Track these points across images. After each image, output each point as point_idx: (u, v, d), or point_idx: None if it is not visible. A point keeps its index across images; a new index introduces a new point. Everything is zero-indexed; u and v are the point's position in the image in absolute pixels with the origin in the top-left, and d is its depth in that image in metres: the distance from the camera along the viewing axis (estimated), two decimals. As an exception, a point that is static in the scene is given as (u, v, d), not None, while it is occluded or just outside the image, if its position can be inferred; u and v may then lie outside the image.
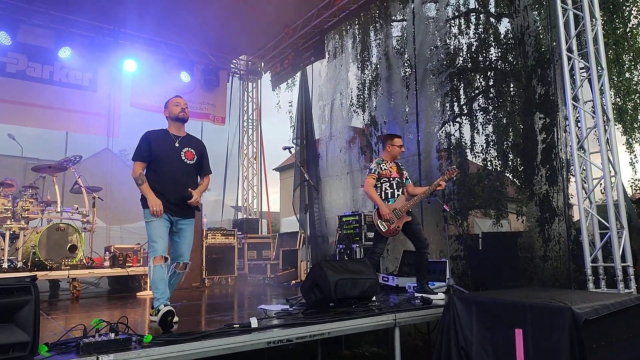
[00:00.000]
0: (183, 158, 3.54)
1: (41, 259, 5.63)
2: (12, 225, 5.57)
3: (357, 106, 8.55)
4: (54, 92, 8.51)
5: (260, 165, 10.91)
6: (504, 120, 6.78)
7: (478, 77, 7.36)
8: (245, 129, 11.05)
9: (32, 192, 6.04)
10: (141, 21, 8.36)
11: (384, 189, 4.78)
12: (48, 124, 8.74)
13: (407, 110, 7.38)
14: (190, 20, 8.50)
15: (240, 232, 8.10)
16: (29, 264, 5.67)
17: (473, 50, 7.19)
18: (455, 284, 4.83)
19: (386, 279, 5.44)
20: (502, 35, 6.95)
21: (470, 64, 7.24)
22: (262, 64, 10.86)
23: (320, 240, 8.23)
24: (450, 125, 7.15)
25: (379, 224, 4.68)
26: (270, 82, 10.48)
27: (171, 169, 3.49)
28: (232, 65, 10.81)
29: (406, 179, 4.97)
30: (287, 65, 9.67)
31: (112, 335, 2.44)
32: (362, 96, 8.51)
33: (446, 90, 7.08)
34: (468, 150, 6.98)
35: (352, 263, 4.18)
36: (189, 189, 3.51)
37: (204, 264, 6.75)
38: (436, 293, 4.50)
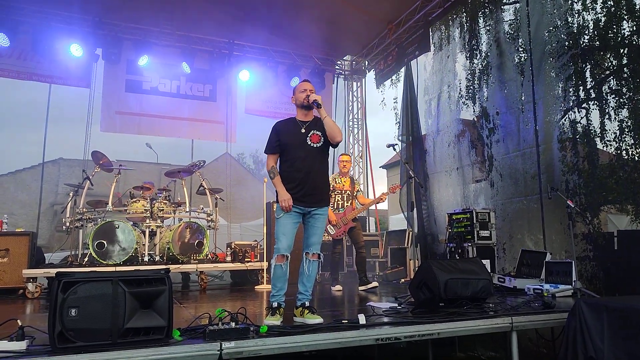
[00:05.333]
0: (309, 142, 3.44)
1: (174, 253, 6.34)
2: (150, 224, 6.37)
3: (466, 98, 8.13)
4: (181, 104, 9.52)
5: (367, 163, 10.97)
6: (642, 102, 5.93)
7: (608, 56, 6.54)
8: (350, 128, 11.19)
9: (166, 194, 6.82)
10: (253, 32, 8.95)
11: (336, 200, 5.79)
12: (177, 133, 9.79)
13: (522, 98, 6.84)
14: (297, 27, 8.87)
15: (348, 230, 8.23)
16: (164, 257, 6.42)
17: (601, 26, 6.40)
18: (584, 287, 4.37)
19: (502, 280, 5.11)
20: (638, 6, 6.08)
21: (597, 42, 6.46)
22: (366, 62, 10.89)
23: (429, 238, 8.00)
24: (574, 112, 6.46)
25: (328, 228, 5.63)
26: (374, 79, 10.47)
27: (299, 156, 3.41)
28: (336, 67, 11.03)
29: (357, 191, 6.01)
30: (391, 62, 9.58)
31: (233, 324, 2.66)
32: (471, 87, 8.08)
33: (569, 73, 6.40)
34: (598, 139, 6.23)
35: (463, 262, 4.02)
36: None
37: (314, 261, 7.00)
38: (371, 282, 5.60)
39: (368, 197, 10.82)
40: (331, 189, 5.71)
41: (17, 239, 5.89)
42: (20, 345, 2.36)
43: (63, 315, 2.37)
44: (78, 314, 2.41)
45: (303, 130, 3.48)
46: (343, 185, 5.91)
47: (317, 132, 3.50)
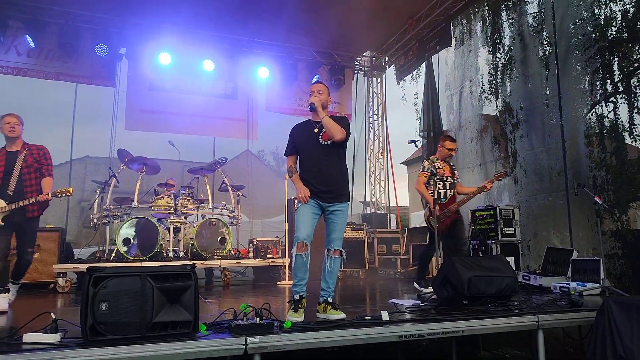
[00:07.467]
0: (320, 141, 3.54)
1: (198, 249, 6.44)
2: (174, 220, 6.48)
3: (488, 93, 8.01)
4: (202, 102, 9.62)
5: (387, 159, 10.92)
6: (673, 95, 5.75)
7: (637, 48, 6.35)
8: (370, 125, 11.14)
9: (189, 191, 6.93)
10: (272, 29, 8.98)
11: (437, 188, 5.10)
12: (199, 130, 9.90)
13: (547, 93, 6.70)
14: (316, 24, 8.87)
15: (369, 227, 8.22)
16: (188, 253, 6.53)
17: (629, 17, 6.21)
18: (612, 285, 4.27)
19: (527, 278, 5.03)
20: (669, -4, 5.89)
21: (626, 34, 6.27)
22: (386, 58, 10.82)
23: (452, 235, 7.92)
24: (602, 106, 6.30)
25: (432, 222, 4.93)
26: (394, 75, 10.40)
27: (312, 155, 3.56)
28: (356, 63, 10.99)
29: (457, 178, 5.27)
30: (412, 57, 9.49)
31: (257, 320, 2.70)
32: (494, 82, 7.95)
33: (596, 66, 6.24)
34: (626, 134, 6.07)
35: (486, 260, 3.97)
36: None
37: (336, 257, 7.01)
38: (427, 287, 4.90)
39: (389, 194, 10.79)
40: (429, 173, 5.13)
41: (47, 235, 6.08)
42: (54, 338, 2.44)
43: (94, 308, 2.44)
44: (108, 307, 2.47)
45: (316, 130, 3.57)
46: (444, 171, 5.20)
47: None
